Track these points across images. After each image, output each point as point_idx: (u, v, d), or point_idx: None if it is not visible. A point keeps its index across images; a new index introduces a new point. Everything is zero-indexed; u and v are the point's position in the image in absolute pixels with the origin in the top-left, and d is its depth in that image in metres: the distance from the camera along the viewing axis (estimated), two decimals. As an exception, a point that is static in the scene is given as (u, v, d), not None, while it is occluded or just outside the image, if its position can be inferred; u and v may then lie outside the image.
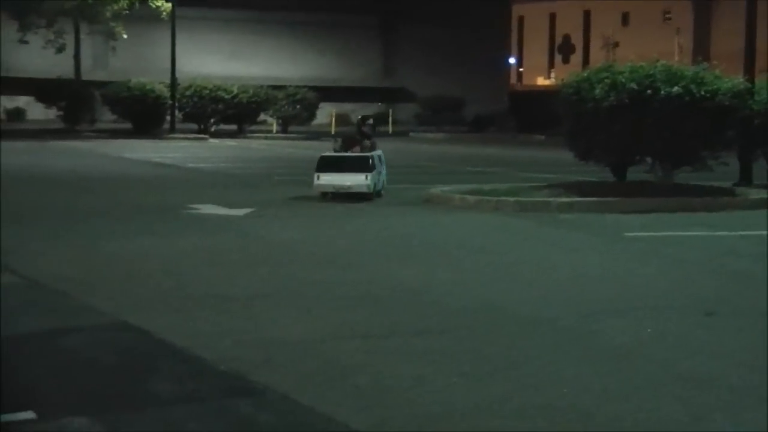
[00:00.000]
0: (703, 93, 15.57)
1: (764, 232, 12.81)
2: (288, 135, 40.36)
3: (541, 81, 63.24)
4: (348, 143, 16.38)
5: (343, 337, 6.92)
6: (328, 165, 15.61)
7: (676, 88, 15.45)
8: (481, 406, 5.43)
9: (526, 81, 65.31)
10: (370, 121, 17.23)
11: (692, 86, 15.57)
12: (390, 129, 44.95)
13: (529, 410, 5.37)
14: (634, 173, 17.02)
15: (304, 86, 43.45)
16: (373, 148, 16.33)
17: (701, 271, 9.94)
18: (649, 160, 16.61)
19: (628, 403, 5.53)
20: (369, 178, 15.41)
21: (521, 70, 68.25)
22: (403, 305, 8.01)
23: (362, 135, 16.59)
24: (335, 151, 16.17)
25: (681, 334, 7.19)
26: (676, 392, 5.74)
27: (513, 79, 65.08)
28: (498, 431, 5.07)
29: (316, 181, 15.53)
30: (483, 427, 5.12)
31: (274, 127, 41.82)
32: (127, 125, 39.55)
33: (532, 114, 44.40)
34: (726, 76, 16.29)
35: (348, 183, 15.38)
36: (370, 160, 15.65)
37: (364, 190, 15.42)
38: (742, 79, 16.69)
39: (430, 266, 9.95)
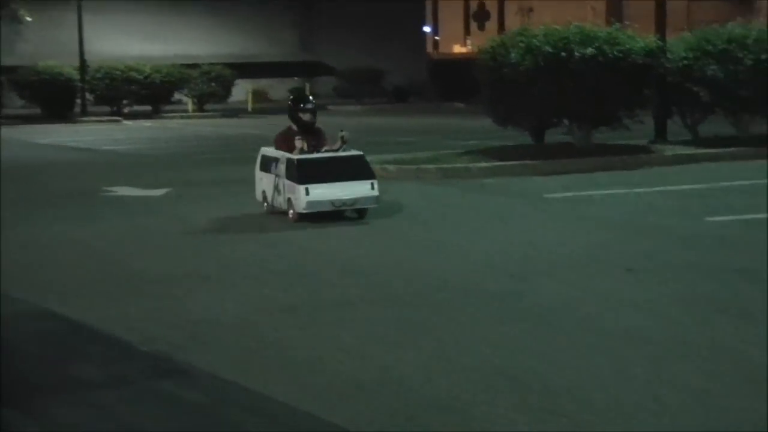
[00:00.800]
0: (616, 53, 15.77)
1: (681, 187, 13.08)
2: (205, 113, 39.88)
3: (458, 49, 63.41)
4: (302, 136, 11.36)
5: (270, 312, 6.88)
6: (314, 173, 10.91)
7: (590, 49, 15.62)
8: (411, 371, 5.44)
9: (442, 49, 65.45)
10: (311, 103, 11.92)
11: (606, 47, 15.75)
12: (308, 103, 44.66)
13: (456, 372, 5.41)
14: (553, 135, 17.20)
15: (219, 63, 42.95)
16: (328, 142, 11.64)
17: (622, 229, 10.10)
18: (566, 122, 16.79)
19: (554, 360, 5.59)
20: (375, 186, 11.06)
21: (437, 38, 68.33)
22: (328, 277, 7.99)
23: (298, 124, 11.58)
24: (302, 152, 11.10)
25: (604, 290, 7.31)
26: (599, 347, 5.83)
27: (429, 48, 65.10)
28: (428, 394, 5.08)
29: (304, 197, 10.74)
30: (415, 391, 5.13)
31: (190, 106, 41.25)
32: (37, 110, 38.63)
33: (452, 82, 44.45)
34: (639, 36, 16.51)
35: (353, 196, 10.92)
36: (366, 160, 11.44)
37: (373, 204, 11.08)
38: (654, 38, 16.93)
39: (353, 238, 9.94)
